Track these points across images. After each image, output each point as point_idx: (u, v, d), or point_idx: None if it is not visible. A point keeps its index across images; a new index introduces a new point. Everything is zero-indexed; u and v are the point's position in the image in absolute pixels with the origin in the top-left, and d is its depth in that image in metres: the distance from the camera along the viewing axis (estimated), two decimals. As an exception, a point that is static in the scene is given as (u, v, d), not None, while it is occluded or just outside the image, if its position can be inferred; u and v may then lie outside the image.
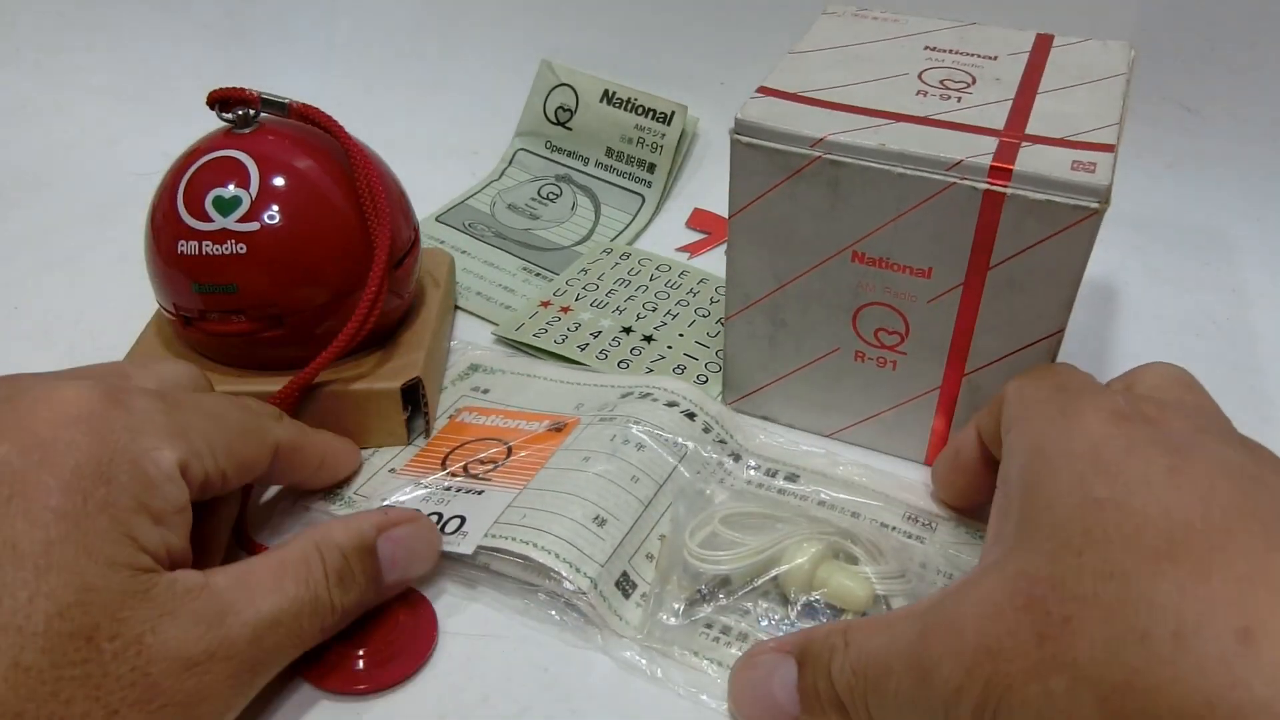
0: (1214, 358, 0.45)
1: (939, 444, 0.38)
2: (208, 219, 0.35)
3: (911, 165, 0.32)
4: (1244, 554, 0.21)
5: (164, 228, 0.36)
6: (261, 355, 0.37)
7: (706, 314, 0.47)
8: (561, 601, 0.32)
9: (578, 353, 0.44)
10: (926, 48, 0.39)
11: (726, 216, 0.36)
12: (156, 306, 0.40)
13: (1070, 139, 0.32)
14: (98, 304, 0.48)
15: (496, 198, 0.57)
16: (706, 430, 0.38)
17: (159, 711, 0.24)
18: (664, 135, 0.56)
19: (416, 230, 0.41)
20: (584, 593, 0.31)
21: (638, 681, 0.30)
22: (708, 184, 0.58)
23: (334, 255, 0.37)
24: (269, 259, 0.35)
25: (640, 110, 0.56)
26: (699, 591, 0.32)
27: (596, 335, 0.45)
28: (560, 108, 0.59)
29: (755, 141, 0.33)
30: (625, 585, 0.33)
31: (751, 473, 0.38)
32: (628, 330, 0.46)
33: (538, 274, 0.51)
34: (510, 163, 0.59)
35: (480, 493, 0.35)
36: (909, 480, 0.37)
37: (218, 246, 0.35)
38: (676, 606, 0.32)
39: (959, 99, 0.35)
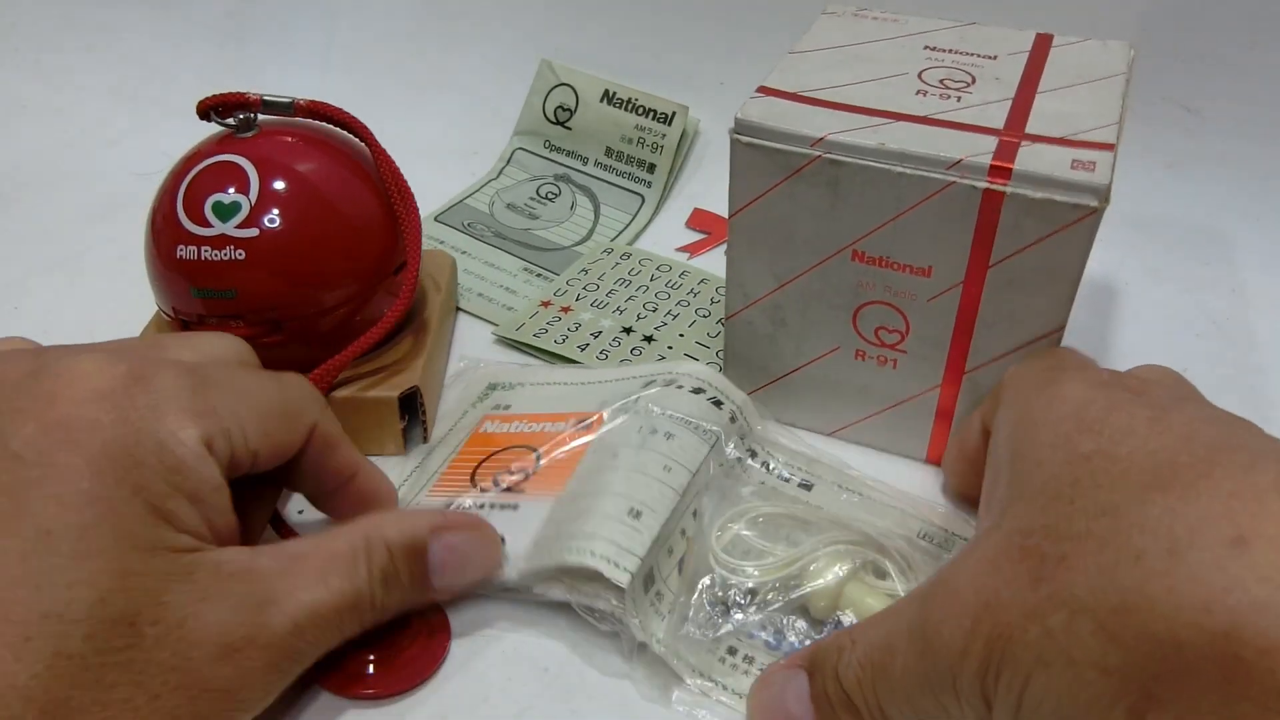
0: (1214, 358, 0.45)
1: (940, 442, 0.38)
2: (207, 224, 0.35)
3: (911, 164, 0.32)
4: (1229, 475, 0.21)
5: (163, 231, 0.36)
6: (260, 360, 0.37)
7: (707, 314, 0.47)
8: (595, 614, 0.31)
9: (578, 353, 0.44)
10: (926, 47, 0.39)
11: (726, 216, 0.36)
12: (156, 308, 0.40)
13: (1070, 138, 0.32)
14: (98, 304, 0.48)
15: (495, 197, 0.57)
16: (733, 420, 0.37)
17: (200, 697, 0.24)
18: (664, 135, 0.56)
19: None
20: (620, 587, 0.30)
21: (635, 679, 0.30)
22: (708, 184, 0.58)
23: (334, 261, 0.37)
24: (268, 265, 0.35)
25: (640, 110, 0.56)
26: (723, 603, 0.31)
27: (597, 335, 0.45)
28: (560, 107, 0.59)
29: (755, 141, 0.33)
30: (646, 582, 0.32)
31: (766, 473, 0.37)
32: (628, 330, 0.46)
33: (538, 274, 0.51)
34: (509, 162, 0.59)
35: (515, 507, 0.34)
36: (922, 498, 0.37)
37: (217, 252, 0.35)
38: (701, 617, 0.31)
39: (959, 98, 0.35)
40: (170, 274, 0.36)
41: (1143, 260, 0.51)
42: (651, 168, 0.56)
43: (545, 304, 0.47)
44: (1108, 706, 0.20)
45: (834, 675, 0.26)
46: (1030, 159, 0.31)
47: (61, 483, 0.23)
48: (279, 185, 0.36)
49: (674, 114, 0.56)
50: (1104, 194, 0.30)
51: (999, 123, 0.33)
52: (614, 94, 0.57)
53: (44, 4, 0.68)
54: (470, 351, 0.45)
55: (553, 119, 0.59)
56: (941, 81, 0.36)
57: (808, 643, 0.31)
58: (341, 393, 0.37)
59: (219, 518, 0.26)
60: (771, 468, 0.37)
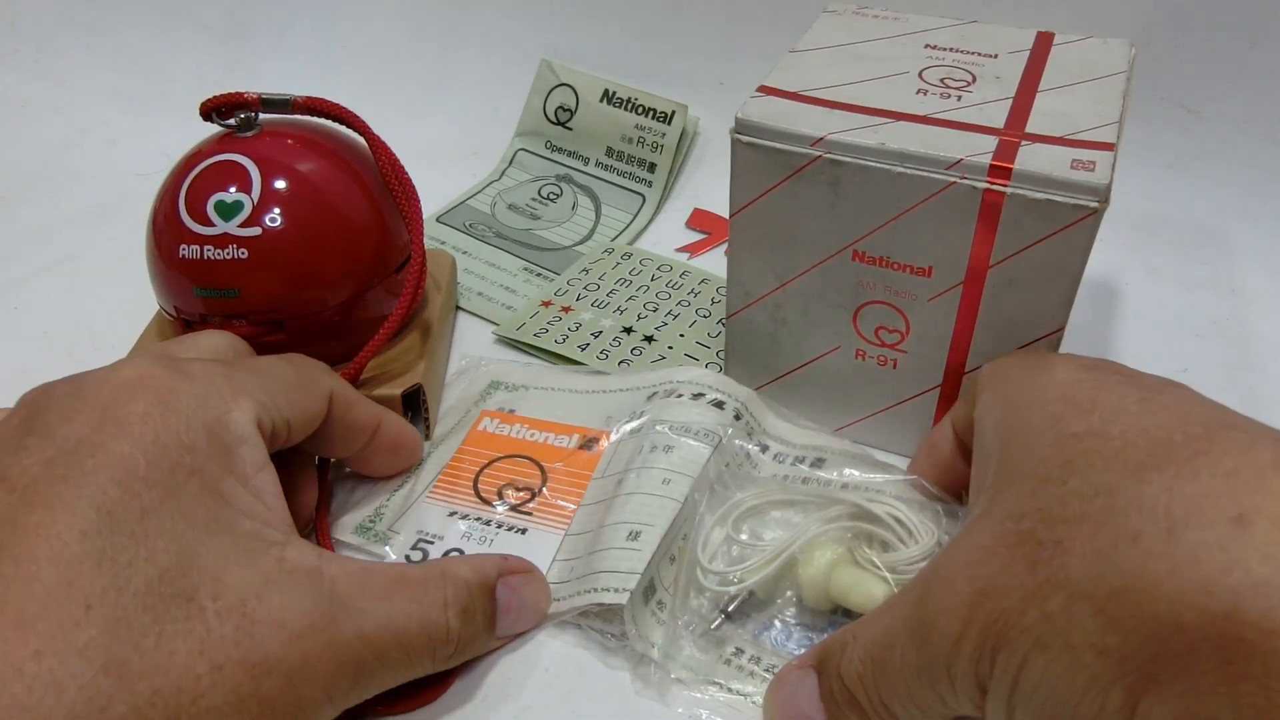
0: (1214, 358, 0.45)
1: (939, 443, 0.38)
2: (209, 223, 0.35)
3: (911, 164, 0.32)
4: (1228, 453, 0.21)
5: (165, 231, 0.36)
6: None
7: (707, 314, 0.47)
8: (601, 632, 0.31)
9: (578, 353, 0.44)
10: (927, 46, 0.39)
11: (726, 216, 0.36)
12: (157, 307, 0.40)
13: (1070, 137, 0.32)
14: (98, 304, 0.48)
15: (497, 198, 0.57)
16: (738, 417, 0.37)
17: (263, 676, 0.24)
18: (664, 135, 0.56)
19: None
20: (624, 606, 0.30)
21: (635, 679, 0.30)
22: (708, 184, 0.58)
23: (336, 259, 0.37)
24: (271, 264, 0.35)
25: (640, 110, 0.56)
26: (724, 613, 0.31)
27: (597, 335, 0.45)
28: (560, 107, 0.59)
29: (755, 141, 0.33)
30: (647, 592, 0.32)
31: (777, 464, 0.37)
32: (628, 330, 0.46)
33: (539, 274, 0.51)
34: (510, 163, 0.59)
35: (524, 531, 0.34)
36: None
37: (219, 251, 0.35)
38: (699, 624, 0.31)
39: (959, 97, 0.35)
40: (172, 273, 0.36)
41: (1143, 260, 0.51)
42: (652, 167, 0.56)
43: (546, 304, 0.47)
44: (1105, 688, 0.20)
45: (837, 673, 0.26)
46: (1030, 159, 0.31)
47: (119, 469, 0.24)
48: (281, 184, 0.36)
49: (673, 113, 0.56)
50: (1104, 194, 0.30)
51: (999, 122, 0.33)
52: (614, 93, 0.57)
53: (44, 4, 0.68)
54: (471, 350, 0.45)
55: (553, 119, 0.59)
56: (942, 80, 0.36)
57: (813, 636, 0.31)
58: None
59: (271, 500, 0.27)
60: (780, 456, 0.37)
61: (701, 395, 0.37)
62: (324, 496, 0.35)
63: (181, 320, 0.37)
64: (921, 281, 0.34)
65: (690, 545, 0.33)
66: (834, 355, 0.37)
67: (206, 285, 0.36)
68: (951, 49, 0.38)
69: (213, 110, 0.37)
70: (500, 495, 0.36)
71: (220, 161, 0.36)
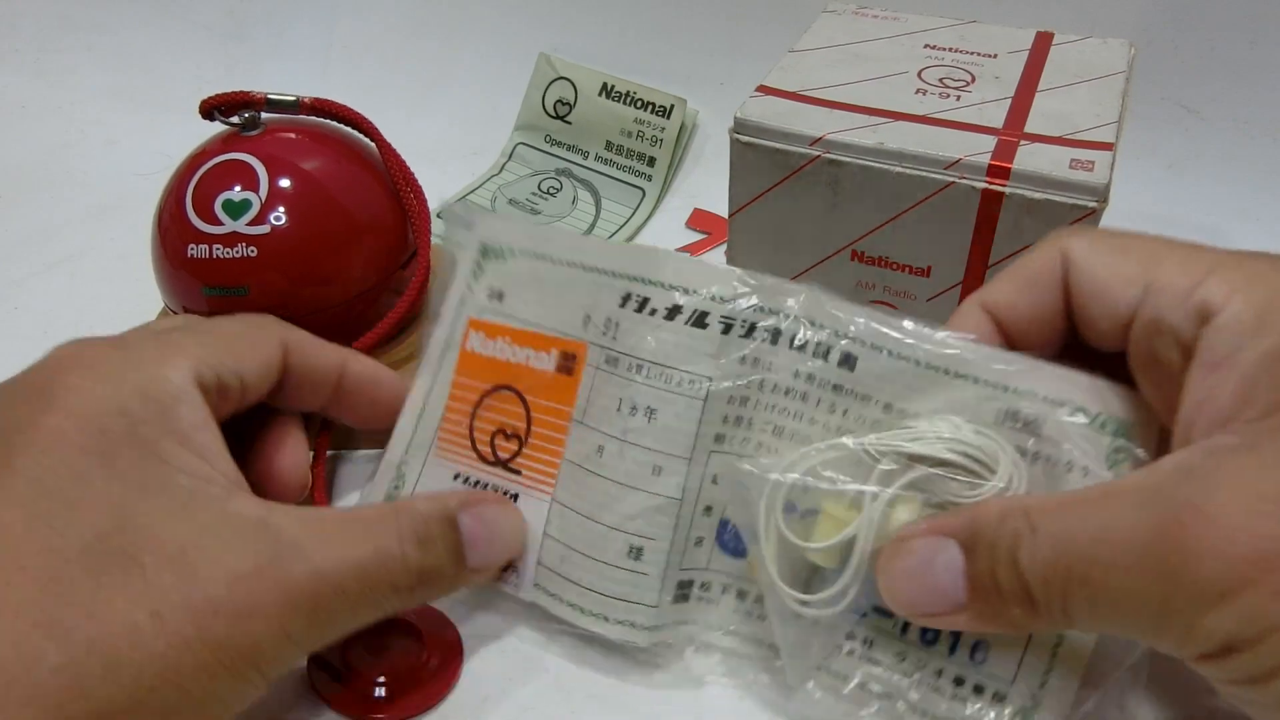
0: (1214, 357, 0.45)
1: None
2: (217, 222, 0.35)
3: (910, 164, 0.32)
4: None
5: (172, 230, 0.36)
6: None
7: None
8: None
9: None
10: (926, 46, 0.39)
11: (726, 216, 0.36)
12: (159, 307, 0.40)
13: (1069, 137, 0.32)
14: (98, 304, 0.48)
15: (497, 193, 0.57)
16: (726, 330, 0.29)
17: (208, 618, 0.23)
18: (664, 129, 0.56)
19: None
20: (641, 647, 0.29)
21: (635, 679, 0.30)
22: (707, 184, 0.58)
23: (345, 256, 0.37)
24: (280, 261, 0.35)
25: (639, 104, 0.56)
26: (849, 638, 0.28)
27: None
28: (559, 101, 0.59)
29: (755, 141, 0.33)
30: (684, 590, 0.30)
31: (799, 362, 0.29)
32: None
33: (537, 273, 0.51)
34: (510, 157, 0.59)
35: (515, 497, 0.32)
36: (991, 349, 0.28)
37: (228, 250, 0.35)
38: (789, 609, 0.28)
39: (958, 97, 0.35)
40: (180, 273, 0.36)
41: (1143, 260, 0.51)
42: (651, 161, 0.56)
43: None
44: None
45: (1010, 562, 0.23)
46: (1029, 158, 0.31)
47: (49, 440, 0.24)
48: (287, 182, 0.36)
49: (672, 106, 0.56)
50: (1103, 194, 0.30)
51: (998, 122, 0.33)
52: (612, 87, 0.57)
53: (44, 4, 0.68)
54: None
55: (552, 113, 0.59)
56: (941, 80, 0.36)
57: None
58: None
59: (214, 458, 0.26)
60: (800, 346, 0.29)
61: (678, 311, 0.30)
62: (321, 457, 0.35)
63: (186, 320, 0.37)
64: (920, 281, 0.34)
65: (758, 565, 0.28)
66: (833, 355, 0.37)
67: (215, 284, 0.36)
68: (951, 49, 0.38)
69: (214, 108, 0.37)
70: (493, 447, 0.33)
71: (226, 161, 0.36)
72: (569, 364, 0.32)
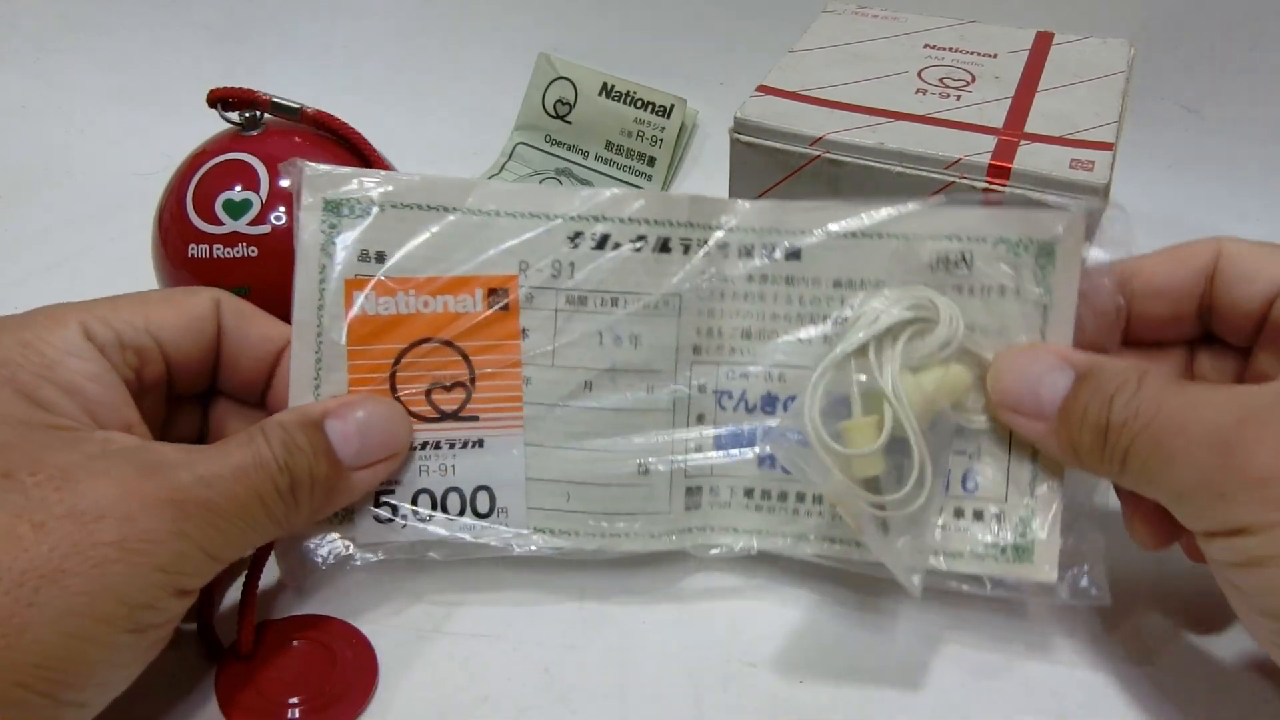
0: (1214, 357, 0.45)
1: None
2: (218, 222, 0.35)
3: (910, 164, 0.32)
4: None
5: (172, 230, 0.36)
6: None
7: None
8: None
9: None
10: (926, 45, 0.39)
11: (726, 215, 0.36)
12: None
13: (1069, 137, 0.32)
14: (98, 304, 0.48)
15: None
16: (686, 250, 0.31)
17: (95, 522, 0.23)
18: (664, 129, 0.56)
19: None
20: (665, 551, 0.30)
21: (633, 677, 0.30)
22: (707, 184, 0.57)
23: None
24: (281, 261, 0.35)
25: (639, 103, 0.57)
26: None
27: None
28: (559, 101, 0.59)
29: (755, 140, 0.33)
30: (694, 497, 0.32)
31: (750, 266, 0.31)
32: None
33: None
34: (510, 157, 0.59)
35: (480, 443, 0.32)
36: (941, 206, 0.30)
37: (229, 250, 0.35)
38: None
39: (958, 97, 0.35)
40: (181, 273, 0.36)
41: (1143, 260, 0.51)
42: (651, 161, 0.56)
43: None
44: None
45: (1105, 401, 0.26)
46: (1029, 158, 0.31)
47: None
48: (287, 182, 0.36)
49: (672, 106, 0.56)
50: (1103, 193, 0.30)
51: (998, 122, 0.33)
52: (612, 87, 0.57)
53: (44, 4, 0.68)
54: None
55: (552, 113, 0.59)
56: (941, 80, 0.36)
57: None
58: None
59: (107, 411, 0.27)
60: (745, 247, 0.31)
61: (642, 240, 0.31)
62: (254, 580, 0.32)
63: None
64: (921, 281, 0.34)
65: (845, 504, 0.29)
66: (833, 355, 0.37)
67: (216, 284, 0.36)
68: (951, 49, 0.38)
69: (219, 100, 0.37)
70: (431, 403, 0.31)
71: (227, 160, 0.36)
72: (501, 299, 0.32)
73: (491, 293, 0.31)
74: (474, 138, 0.61)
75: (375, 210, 0.31)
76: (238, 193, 0.36)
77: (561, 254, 0.31)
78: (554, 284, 0.31)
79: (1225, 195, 0.54)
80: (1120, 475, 0.26)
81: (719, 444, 0.32)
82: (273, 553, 0.31)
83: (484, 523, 0.31)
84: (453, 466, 0.32)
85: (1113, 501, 0.30)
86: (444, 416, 0.32)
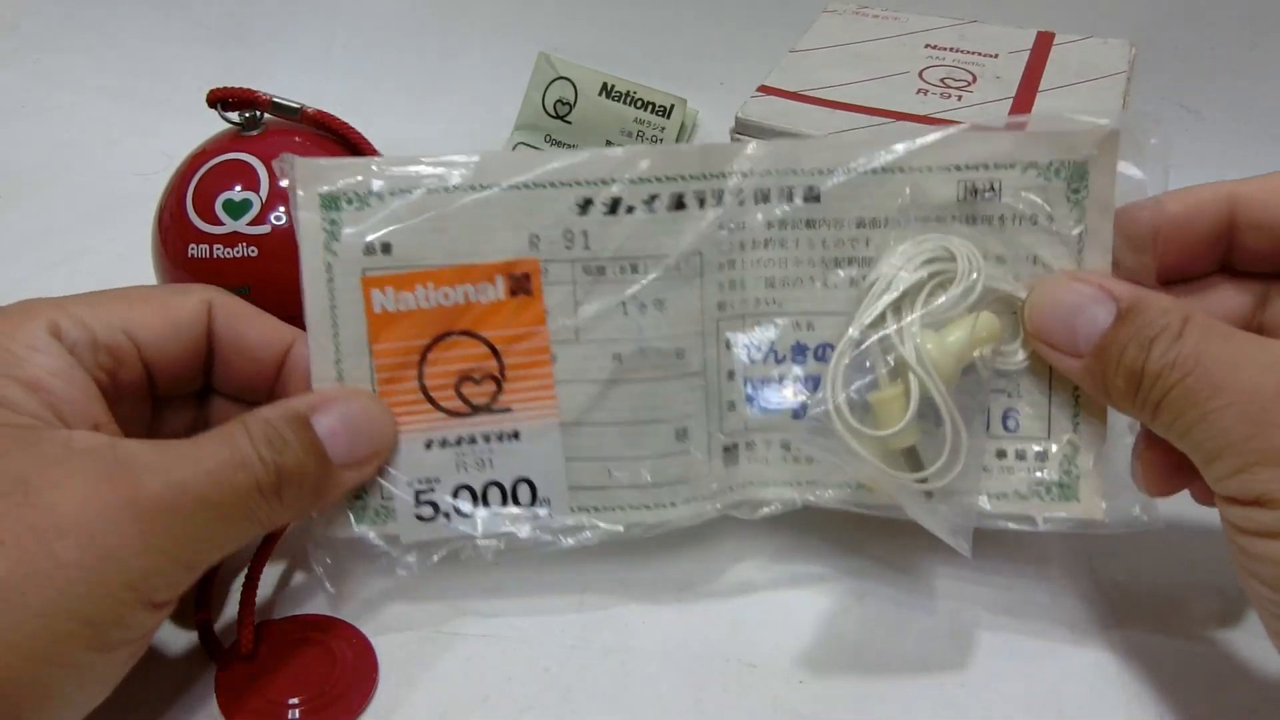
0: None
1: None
2: (218, 222, 0.35)
3: (912, 163, 0.32)
4: None
5: (173, 230, 0.36)
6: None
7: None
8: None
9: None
10: (927, 46, 0.39)
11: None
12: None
13: (1071, 137, 0.32)
14: (98, 303, 0.48)
15: (497, 197, 0.57)
16: (701, 203, 0.30)
17: (56, 540, 0.22)
18: (664, 129, 0.56)
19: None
20: (713, 517, 0.30)
21: (633, 677, 0.30)
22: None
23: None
24: (282, 261, 0.35)
25: (639, 103, 0.57)
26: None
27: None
28: (559, 101, 0.59)
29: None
30: (732, 454, 0.31)
31: (769, 213, 0.30)
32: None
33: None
34: (510, 161, 0.59)
35: (517, 435, 0.31)
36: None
37: (229, 250, 0.35)
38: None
39: (960, 97, 0.35)
40: (181, 273, 0.36)
41: (1143, 260, 0.51)
42: (651, 164, 0.56)
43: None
44: None
45: (1145, 345, 0.25)
46: (1031, 158, 0.31)
47: None
48: (287, 182, 0.36)
49: (672, 106, 0.56)
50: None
51: (999, 122, 0.33)
52: (612, 87, 0.57)
53: (44, 4, 0.68)
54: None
55: (552, 113, 0.59)
56: (942, 80, 0.36)
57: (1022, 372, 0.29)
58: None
59: (73, 409, 0.26)
60: (762, 192, 0.30)
61: (655, 199, 0.30)
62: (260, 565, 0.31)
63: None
64: (921, 281, 0.34)
65: (877, 482, 0.29)
66: (834, 355, 0.37)
67: (216, 284, 0.36)
68: (952, 49, 0.38)
69: (219, 100, 0.37)
70: (462, 398, 0.31)
71: (227, 160, 0.36)
72: (524, 284, 0.31)
73: (513, 278, 0.30)
74: (474, 138, 0.61)
75: (374, 199, 0.31)
76: (238, 193, 0.36)
77: (573, 223, 0.30)
78: (568, 255, 0.30)
79: (1225, 195, 0.54)
80: (1152, 422, 0.25)
81: (751, 400, 0.31)
82: (307, 546, 0.31)
83: (528, 513, 0.31)
84: (490, 460, 0.31)
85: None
86: (476, 410, 0.31)
